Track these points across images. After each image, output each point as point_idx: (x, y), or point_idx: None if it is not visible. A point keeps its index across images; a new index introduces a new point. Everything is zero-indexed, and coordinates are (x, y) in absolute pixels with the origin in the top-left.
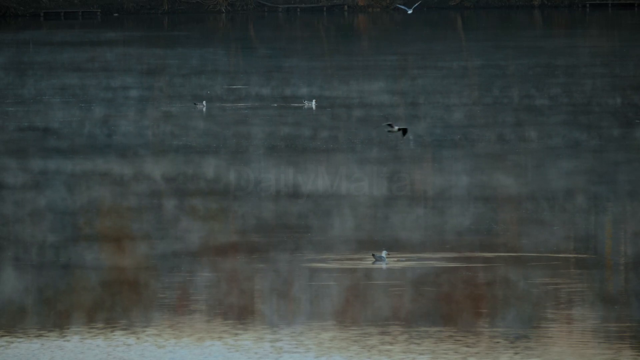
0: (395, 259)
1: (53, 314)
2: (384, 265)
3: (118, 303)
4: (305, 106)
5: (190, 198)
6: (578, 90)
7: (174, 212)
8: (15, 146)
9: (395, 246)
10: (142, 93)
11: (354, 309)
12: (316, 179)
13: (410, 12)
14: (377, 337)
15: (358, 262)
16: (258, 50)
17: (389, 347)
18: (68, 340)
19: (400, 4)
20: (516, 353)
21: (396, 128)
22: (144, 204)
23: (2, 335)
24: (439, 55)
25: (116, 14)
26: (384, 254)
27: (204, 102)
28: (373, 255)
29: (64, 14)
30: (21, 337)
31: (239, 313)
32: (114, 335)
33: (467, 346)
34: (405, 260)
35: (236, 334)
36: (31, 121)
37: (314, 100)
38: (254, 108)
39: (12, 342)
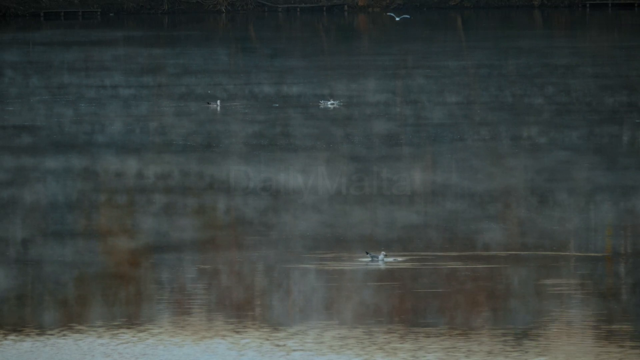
0: (393, 259)
1: (53, 311)
2: (381, 265)
3: (118, 301)
4: (321, 106)
5: (193, 197)
6: (576, 90)
7: (174, 211)
8: (18, 144)
9: (393, 245)
10: (144, 93)
11: (356, 309)
12: (318, 179)
13: (398, 19)
14: (382, 336)
15: (357, 261)
16: (258, 50)
17: (395, 345)
18: (70, 338)
19: (392, 13)
20: (525, 352)
21: (381, 256)
22: (139, 201)
23: (3, 333)
24: (438, 56)
25: (112, 14)
26: (381, 255)
27: (218, 102)
28: (367, 253)
29: (64, 14)
30: (22, 336)
31: (242, 312)
32: (116, 333)
33: (474, 345)
34: (403, 260)
35: (240, 332)
36: (30, 120)
37: (330, 100)
38: (265, 108)
39: (13, 340)
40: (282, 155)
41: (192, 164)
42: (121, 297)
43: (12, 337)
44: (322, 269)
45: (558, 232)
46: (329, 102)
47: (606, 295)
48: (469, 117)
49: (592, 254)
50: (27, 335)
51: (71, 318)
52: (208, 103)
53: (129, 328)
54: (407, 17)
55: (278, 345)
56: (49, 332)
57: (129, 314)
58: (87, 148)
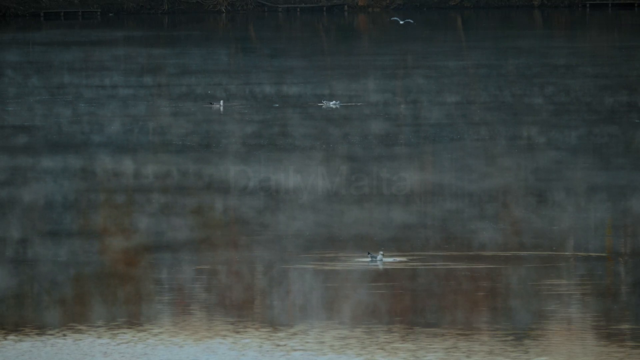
0: (392, 259)
1: (53, 311)
2: (380, 266)
3: (118, 301)
4: (324, 106)
5: (192, 197)
6: (576, 90)
7: (173, 211)
8: (16, 144)
9: (393, 246)
10: (144, 93)
11: (356, 309)
12: (318, 179)
13: (402, 22)
14: (383, 336)
15: (356, 262)
16: (258, 50)
17: (396, 345)
18: (70, 338)
19: (396, 17)
20: (526, 352)
21: (380, 255)
22: (139, 201)
23: (3, 333)
24: (438, 56)
25: (111, 14)
26: (380, 255)
27: (221, 102)
28: (369, 254)
29: (64, 14)
30: (22, 336)
31: (242, 312)
32: (116, 333)
33: (475, 345)
34: (403, 260)
35: (240, 332)
36: (29, 120)
37: (333, 101)
38: (266, 108)
39: (13, 340)
40: (282, 155)
41: (192, 164)
42: (121, 297)
43: (12, 337)
44: (322, 269)
45: (558, 232)
46: (331, 103)
47: (606, 294)
48: (468, 117)
49: (592, 254)
50: (27, 335)
51: (71, 318)
52: (211, 103)
53: (129, 328)
54: (410, 22)
55: (279, 345)
56: (49, 332)
57: (129, 314)
58: (86, 148)
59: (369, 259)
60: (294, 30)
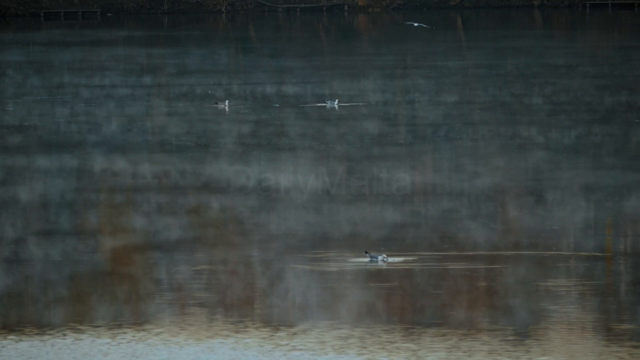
0: (392, 259)
1: (53, 311)
2: (381, 265)
3: (118, 301)
4: (328, 107)
5: (192, 196)
6: (575, 91)
7: (173, 210)
8: (15, 143)
9: (393, 246)
10: (144, 93)
11: (357, 309)
12: (319, 179)
13: (416, 25)
14: (384, 336)
15: (356, 262)
16: (258, 50)
17: (397, 345)
18: (70, 338)
19: (410, 22)
20: (527, 351)
21: (380, 258)
22: (139, 201)
23: (3, 333)
24: (438, 56)
25: (111, 14)
26: (381, 256)
27: (226, 102)
28: (367, 252)
29: (64, 14)
30: (22, 335)
31: (242, 311)
32: (116, 333)
33: (476, 344)
34: (403, 261)
35: (241, 332)
36: (28, 120)
37: (336, 100)
38: (266, 108)
39: (13, 340)
40: (281, 155)
41: (190, 163)
42: (121, 297)
43: (12, 337)
44: (322, 269)
45: (558, 231)
46: (335, 102)
47: (608, 294)
48: (467, 117)
49: (592, 254)
50: (27, 335)
51: (71, 318)
52: (216, 103)
53: (129, 328)
54: (423, 26)
55: (280, 345)
56: (49, 332)
57: (129, 313)
58: (85, 148)
59: (367, 259)
60: (294, 30)
